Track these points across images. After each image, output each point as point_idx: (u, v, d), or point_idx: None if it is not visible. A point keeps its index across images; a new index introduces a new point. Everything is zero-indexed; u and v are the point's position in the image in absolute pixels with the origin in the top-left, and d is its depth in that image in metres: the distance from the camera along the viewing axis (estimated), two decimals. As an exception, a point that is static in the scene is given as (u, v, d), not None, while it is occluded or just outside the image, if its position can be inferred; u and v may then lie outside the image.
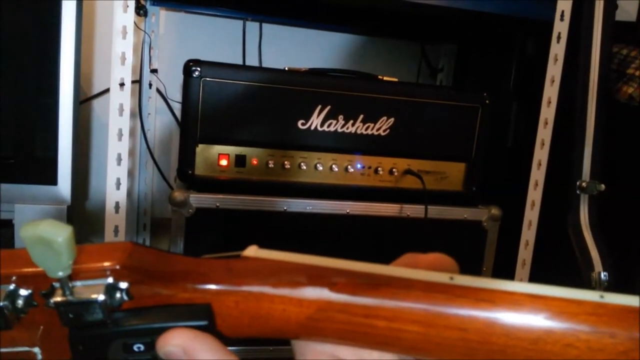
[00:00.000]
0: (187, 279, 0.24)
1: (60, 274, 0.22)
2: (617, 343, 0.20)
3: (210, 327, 0.24)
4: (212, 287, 0.24)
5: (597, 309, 0.21)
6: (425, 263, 0.25)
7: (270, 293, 0.24)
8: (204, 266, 0.25)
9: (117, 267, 0.23)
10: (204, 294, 0.24)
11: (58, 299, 0.23)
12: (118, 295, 0.23)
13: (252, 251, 0.25)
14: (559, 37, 1.09)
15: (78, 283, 0.23)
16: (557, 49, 1.09)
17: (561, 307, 0.21)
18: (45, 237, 0.21)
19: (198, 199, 0.95)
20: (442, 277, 0.23)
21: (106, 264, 0.23)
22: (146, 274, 0.24)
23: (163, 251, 0.26)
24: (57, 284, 0.23)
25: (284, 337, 0.24)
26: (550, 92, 1.10)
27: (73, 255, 0.22)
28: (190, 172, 0.98)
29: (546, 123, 1.10)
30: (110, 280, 0.23)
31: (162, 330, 0.23)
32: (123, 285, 0.23)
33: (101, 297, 0.23)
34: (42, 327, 0.24)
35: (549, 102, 1.10)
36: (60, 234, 0.21)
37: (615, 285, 1.05)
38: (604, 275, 1.05)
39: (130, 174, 1.37)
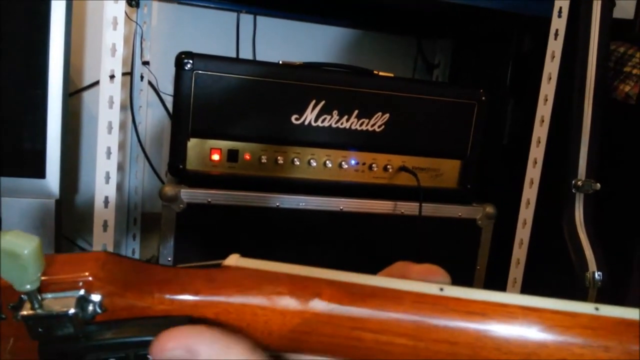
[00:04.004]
0: (164, 290, 0.23)
1: (28, 287, 0.21)
2: (611, 357, 0.20)
3: None
4: (191, 298, 0.23)
5: (592, 322, 0.21)
6: (416, 273, 0.25)
7: (252, 304, 0.23)
8: (182, 276, 0.24)
9: (90, 278, 0.22)
10: (182, 306, 0.23)
11: (26, 312, 0.22)
12: (90, 307, 0.22)
13: (233, 260, 0.25)
14: (556, 34, 1.08)
15: (48, 295, 0.22)
16: (555, 46, 1.08)
17: (555, 320, 0.21)
18: (11, 249, 0.20)
19: (189, 194, 0.94)
20: (431, 288, 0.22)
21: (78, 275, 0.22)
22: (120, 285, 0.23)
23: (139, 261, 0.25)
24: (25, 297, 0.22)
25: (267, 350, 0.23)
26: (547, 89, 1.09)
27: (41, 267, 0.21)
28: (181, 166, 0.96)
29: (542, 121, 1.10)
30: (82, 292, 0.22)
31: (138, 344, 0.22)
32: (96, 297, 0.22)
33: (72, 310, 0.22)
34: (12, 339, 0.23)
35: (546, 100, 1.09)
36: (27, 246, 0.20)
37: (609, 286, 1.05)
38: (598, 275, 1.04)
39: (121, 167, 1.35)
